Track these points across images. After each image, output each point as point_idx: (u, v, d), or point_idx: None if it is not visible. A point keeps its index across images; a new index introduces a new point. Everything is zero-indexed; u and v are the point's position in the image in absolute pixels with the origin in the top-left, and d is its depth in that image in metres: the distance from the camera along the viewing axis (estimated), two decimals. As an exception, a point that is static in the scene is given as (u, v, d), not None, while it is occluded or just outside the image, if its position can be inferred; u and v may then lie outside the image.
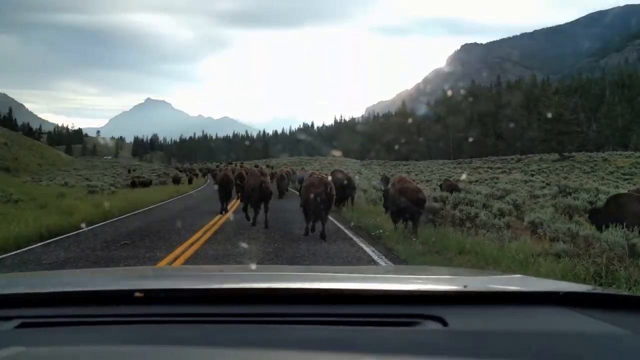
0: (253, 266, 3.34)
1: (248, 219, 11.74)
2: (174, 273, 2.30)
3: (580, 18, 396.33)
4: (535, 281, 1.94)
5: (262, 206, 11.53)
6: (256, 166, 38.33)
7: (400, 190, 11.29)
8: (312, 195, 9.26)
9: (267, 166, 58.25)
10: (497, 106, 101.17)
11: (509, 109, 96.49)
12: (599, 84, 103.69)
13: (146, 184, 35.54)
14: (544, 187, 32.28)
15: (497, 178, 44.52)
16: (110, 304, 1.30)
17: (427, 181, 43.16)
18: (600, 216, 12.25)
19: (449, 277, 2.02)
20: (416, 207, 10.68)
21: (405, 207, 10.77)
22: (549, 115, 61.62)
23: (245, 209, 12.03)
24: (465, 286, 1.40)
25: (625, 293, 1.53)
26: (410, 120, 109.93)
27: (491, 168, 64.12)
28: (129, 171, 64.46)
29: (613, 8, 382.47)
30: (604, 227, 9.29)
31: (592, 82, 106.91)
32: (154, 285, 1.54)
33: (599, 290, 1.56)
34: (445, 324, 1.14)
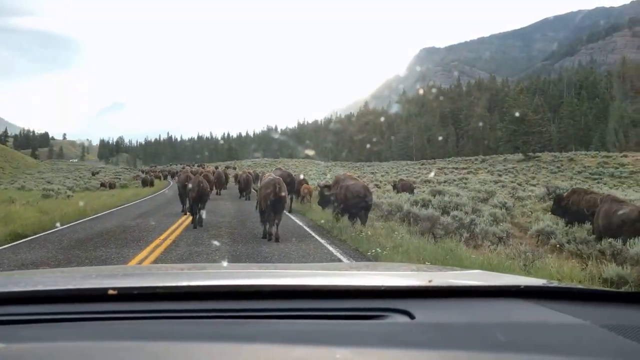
0: (223, 264, 3.20)
1: (194, 223, 11.65)
2: (145, 271, 2.24)
3: (535, 23, 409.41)
4: (495, 276, 1.95)
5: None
6: (216, 167, 36.79)
7: (348, 187, 11.58)
8: (263, 196, 9.46)
9: (227, 167, 55.33)
10: (458, 107, 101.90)
11: (471, 110, 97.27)
12: (557, 85, 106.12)
13: (112, 186, 37.40)
14: (516, 188, 31.52)
15: (466, 179, 43.77)
16: (85, 301, 1.30)
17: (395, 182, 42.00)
18: (563, 204, 13.22)
19: (414, 272, 2.02)
20: (364, 203, 11.03)
21: (353, 204, 11.08)
22: (515, 115, 61.77)
23: (191, 210, 12.13)
24: (430, 281, 1.41)
25: (581, 286, 1.52)
26: (372, 122, 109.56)
27: (456, 168, 63.60)
28: (92, 174, 64.28)
29: (567, 13, 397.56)
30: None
31: (550, 83, 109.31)
32: (127, 283, 1.49)
33: (555, 283, 1.56)
34: (412, 316, 1.16)
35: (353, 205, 11.15)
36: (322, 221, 12.16)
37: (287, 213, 15.44)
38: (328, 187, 13.07)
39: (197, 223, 11.45)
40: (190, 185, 12.19)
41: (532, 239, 10.51)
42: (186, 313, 1.22)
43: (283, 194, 9.36)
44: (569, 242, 9.08)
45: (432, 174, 43.46)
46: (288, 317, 1.19)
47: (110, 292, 1.28)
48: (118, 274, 1.95)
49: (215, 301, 1.27)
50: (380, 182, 39.70)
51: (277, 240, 9.16)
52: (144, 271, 2.35)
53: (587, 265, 6.60)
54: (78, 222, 13.33)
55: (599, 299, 1.35)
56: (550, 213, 14.42)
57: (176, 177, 33.26)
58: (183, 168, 65.35)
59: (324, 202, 14.08)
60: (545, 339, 1.04)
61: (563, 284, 1.58)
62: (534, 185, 35.80)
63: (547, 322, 1.14)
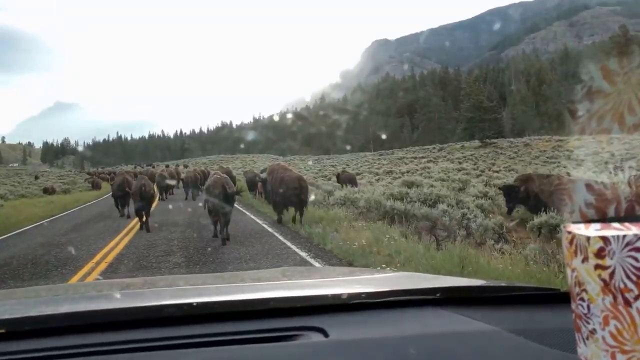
0: (145, 279, 2.87)
1: (144, 229, 11.28)
2: (60, 293, 1.91)
3: (481, 14, 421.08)
4: (419, 279, 1.89)
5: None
6: (167, 166, 34.88)
7: (282, 179, 11.34)
8: (210, 196, 9.52)
9: (177, 166, 52.13)
10: (413, 98, 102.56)
11: (426, 99, 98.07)
12: (505, 74, 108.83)
13: (52, 191, 34.16)
14: (479, 175, 31.18)
15: (429, 168, 43.50)
16: None
17: (358, 174, 41.05)
18: (520, 195, 12.07)
19: (341, 279, 1.95)
20: (299, 195, 11.02)
21: (287, 195, 11.08)
22: (470, 103, 62.25)
23: (137, 214, 11.63)
24: (345, 294, 1.34)
25: (499, 284, 1.54)
26: (329, 115, 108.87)
27: (416, 158, 63.55)
28: (36, 177, 61.75)
29: (509, 5, 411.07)
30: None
31: (499, 72, 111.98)
32: (28, 312, 1.27)
33: (480, 283, 1.56)
34: (326, 334, 1.11)
35: (288, 196, 11.14)
36: (297, 225, 10.63)
37: (252, 216, 13.84)
38: (263, 181, 13.03)
39: (145, 227, 11.32)
40: (130, 189, 11.69)
41: (532, 233, 9.47)
42: (79, 349, 1.05)
43: (230, 192, 9.44)
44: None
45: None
46: (190, 345, 1.04)
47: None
48: (28, 301, 1.62)
49: (113, 332, 1.11)
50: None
51: (227, 239, 9.13)
52: (59, 293, 1.90)
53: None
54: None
55: (515, 300, 1.34)
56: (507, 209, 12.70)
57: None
58: (135, 168, 63.21)
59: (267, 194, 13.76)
60: (455, 349, 1.02)
61: (481, 284, 1.52)
62: (497, 172, 35.72)
63: (458, 331, 1.12)
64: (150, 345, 1.05)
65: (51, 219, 15.82)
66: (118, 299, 1.53)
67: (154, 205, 19.42)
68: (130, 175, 14.27)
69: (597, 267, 0.58)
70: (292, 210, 11.68)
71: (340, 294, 1.34)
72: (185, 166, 50.73)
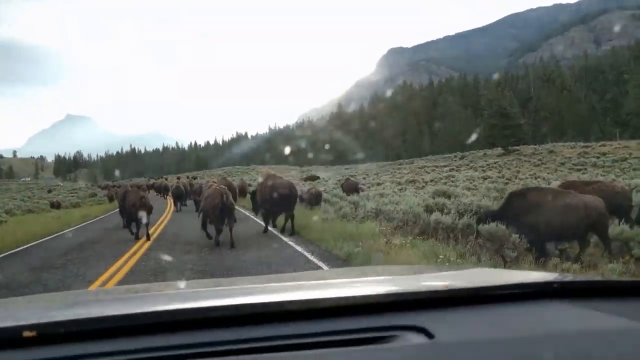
0: (181, 284, 2.15)
1: (132, 233, 12.37)
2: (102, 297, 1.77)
3: (498, 20, 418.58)
4: (505, 273, 1.68)
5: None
6: (178, 178, 35.28)
7: (272, 186, 11.46)
8: (211, 207, 9.82)
9: (188, 177, 50.87)
10: (432, 106, 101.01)
11: (445, 107, 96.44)
12: (524, 80, 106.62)
13: (58, 205, 34.04)
14: (507, 183, 29.76)
15: (453, 176, 42.12)
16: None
17: (379, 184, 39.84)
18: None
19: (414, 275, 1.78)
20: (289, 202, 11.32)
21: (278, 203, 11.32)
22: (493, 109, 60.72)
23: (128, 225, 12.89)
24: (447, 285, 1.16)
25: (626, 279, 1.35)
26: (345, 125, 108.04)
27: (437, 167, 61.91)
28: (49, 191, 63.25)
29: (527, 10, 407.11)
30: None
31: (518, 78, 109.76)
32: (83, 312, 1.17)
33: (594, 278, 1.35)
34: (430, 335, 0.95)
35: (278, 202, 11.38)
36: (331, 242, 9.41)
37: (275, 231, 12.64)
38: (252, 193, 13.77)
39: (137, 235, 12.08)
40: (129, 201, 12.43)
41: (597, 249, 8.21)
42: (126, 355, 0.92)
43: (230, 201, 9.98)
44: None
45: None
46: (269, 348, 0.93)
47: (26, 333, 0.95)
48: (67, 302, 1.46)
49: (175, 334, 0.97)
50: (364, 184, 37.36)
51: (232, 245, 9.65)
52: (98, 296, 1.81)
53: None
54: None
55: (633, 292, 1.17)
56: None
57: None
58: (148, 180, 63.46)
59: (256, 206, 14.04)
60: (606, 350, 0.84)
61: (596, 279, 1.34)
62: (524, 179, 34.19)
63: (601, 328, 0.95)
64: (230, 348, 0.92)
65: (52, 236, 14.41)
66: (184, 299, 1.32)
67: (167, 218, 18.93)
68: (142, 188, 14.21)
69: None
70: (281, 219, 12.05)
71: (438, 288, 1.12)
72: (194, 178, 49.93)
